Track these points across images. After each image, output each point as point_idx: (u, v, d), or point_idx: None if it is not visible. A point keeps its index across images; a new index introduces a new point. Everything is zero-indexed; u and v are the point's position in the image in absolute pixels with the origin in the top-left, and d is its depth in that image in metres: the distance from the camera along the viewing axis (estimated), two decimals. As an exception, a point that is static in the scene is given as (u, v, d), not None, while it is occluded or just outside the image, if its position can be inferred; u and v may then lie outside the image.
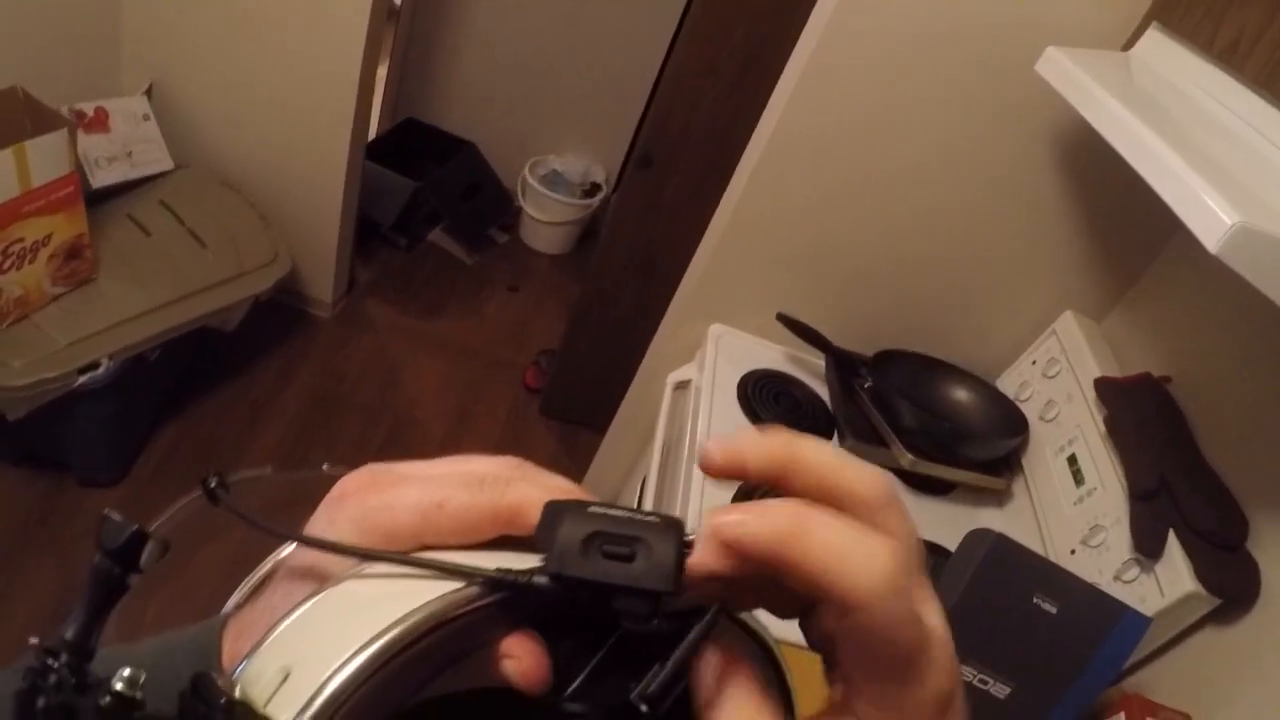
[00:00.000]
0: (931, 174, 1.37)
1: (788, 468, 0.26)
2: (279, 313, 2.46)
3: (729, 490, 1.23)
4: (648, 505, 1.41)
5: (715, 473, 0.28)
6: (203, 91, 2.13)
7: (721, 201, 1.54)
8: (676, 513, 1.27)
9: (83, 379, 1.54)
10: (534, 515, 0.28)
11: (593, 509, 0.27)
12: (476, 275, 3.10)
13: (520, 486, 0.29)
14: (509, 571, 0.27)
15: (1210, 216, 0.69)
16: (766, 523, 0.24)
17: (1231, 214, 0.68)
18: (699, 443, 1.31)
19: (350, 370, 2.53)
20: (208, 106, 2.15)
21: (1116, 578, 1.11)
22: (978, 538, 0.99)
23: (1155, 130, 0.76)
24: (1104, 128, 0.88)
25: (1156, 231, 1.37)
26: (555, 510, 0.28)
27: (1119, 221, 1.37)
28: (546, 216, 3.18)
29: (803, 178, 1.40)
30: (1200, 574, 1.00)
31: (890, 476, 0.22)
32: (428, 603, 0.26)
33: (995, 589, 0.96)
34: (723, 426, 1.36)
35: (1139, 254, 1.40)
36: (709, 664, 0.27)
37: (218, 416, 2.21)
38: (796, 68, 1.32)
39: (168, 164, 2.03)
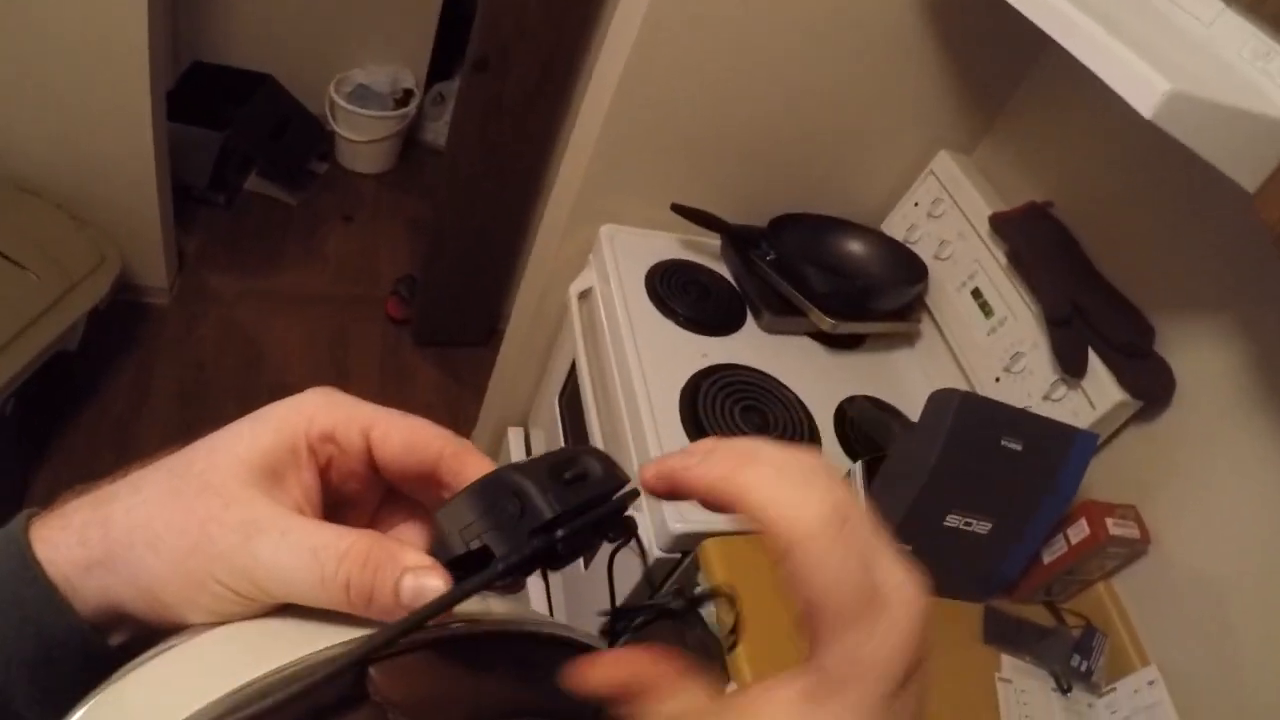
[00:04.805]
0: (798, 35, 1.33)
1: (732, 500, 0.27)
2: (116, 311, 2.21)
3: (671, 399, 1.25)
4: (591, 421, 1.40)
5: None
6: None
7: (586, 104, 1.47)
8: (626, 425, 1.27)
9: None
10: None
11: (514, 464, 0.29)
12: (306, 214, 2.89)
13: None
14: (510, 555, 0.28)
15: (1143, 84, 0.73)
16: (706, 468, 0.27)
17: (1162, 81, 0.72)
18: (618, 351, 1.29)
19: (207, 355, 2.34)
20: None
21: (1046, 398, 1.22)
22: (942, 399, 1.06)
23: (1078, 6, 0.79)
24: (1028, 10, 0.90)
25: (1018, 59, 1.42)
26: (491, 482, 0.29)
27: (976, 57, 1.41)
28: (363, 135, 2.97)
29: (680, 68, 1.34)
30: (1124, 383, 1.12)
31: (824, 461, 0.27)
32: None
33: (967, 441, 1.04)
34: (642, 328, 1.36)
35: (1001, 83, 1.46)
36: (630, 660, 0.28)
37: (87, 447, 2.01)
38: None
39: (-53, 188, 1.74)
